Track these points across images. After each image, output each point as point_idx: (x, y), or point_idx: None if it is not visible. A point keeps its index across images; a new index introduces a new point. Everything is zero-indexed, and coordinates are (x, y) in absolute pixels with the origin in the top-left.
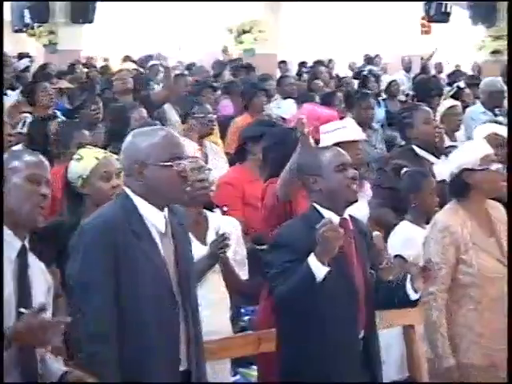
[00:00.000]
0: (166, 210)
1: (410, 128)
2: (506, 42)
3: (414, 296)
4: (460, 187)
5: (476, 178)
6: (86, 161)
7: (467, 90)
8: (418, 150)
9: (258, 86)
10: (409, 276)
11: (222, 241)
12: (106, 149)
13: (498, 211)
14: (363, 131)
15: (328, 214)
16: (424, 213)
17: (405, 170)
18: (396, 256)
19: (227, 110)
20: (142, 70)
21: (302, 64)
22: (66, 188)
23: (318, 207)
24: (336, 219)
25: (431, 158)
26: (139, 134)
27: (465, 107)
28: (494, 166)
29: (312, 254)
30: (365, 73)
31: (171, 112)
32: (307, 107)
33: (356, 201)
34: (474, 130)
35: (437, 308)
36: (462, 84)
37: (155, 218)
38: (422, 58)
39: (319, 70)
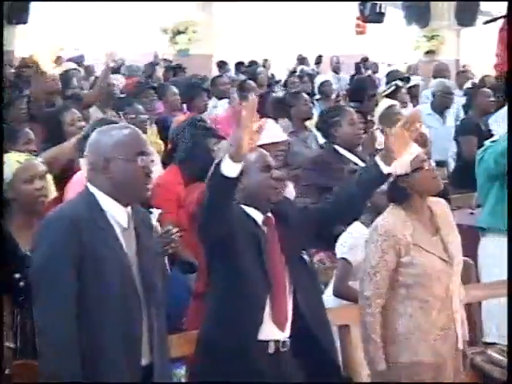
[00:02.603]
0: (129, 207)
1: (334, 128)
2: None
3: (386, 168)
4: (398, 193)
5: (411, 182)
6: (8, 165)
7: (404, 90)
8: (340, 150)
9: (200, 86)
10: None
11: (168, 236)
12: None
13: (440, 206)
14: (299, 132)
15: (252, 212)
16: (376, 214)
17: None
18: (341, 258)
19: (159, 111)
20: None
21: (240, 64)
22: None
23: (242, 206)
24: (260, 217)
25: (354, 159)
26: (104, 130)
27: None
28: (426, 165)
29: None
30: (297, 73)
31: (97, 113)
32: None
33: (278, 201)
34: None
35: (370, 313)
36: (399, 82)
37: (118, 214)
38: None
39: (256, 71)
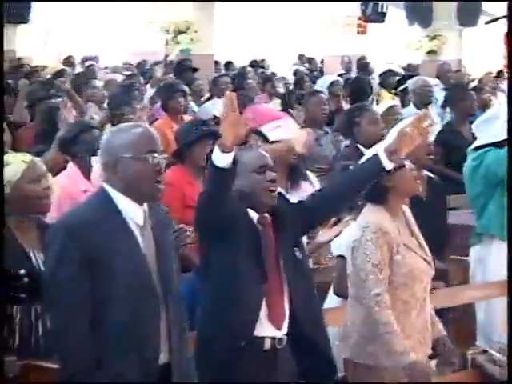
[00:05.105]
0: (145, 205)
1: (356, 127)
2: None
3: (387, 164)
4: (379, 192)
5: (394, 180)
6: (14, 166)
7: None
8: (363, 150)
9: (175, 88)
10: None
11: (181, 234)
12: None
13: (408, 211)
14: (314, 132)
15: (248, 210)
16: None
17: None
18: (339, 256)
19: (160, 113)
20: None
21: (228, 64)
22: None
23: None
24: (255, 216)
25: None
26: (116, 130)
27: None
28: (408, 165)
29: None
30: (293, 72)
31: (94, 111)
32: (253, 107)
33: (272, 204)
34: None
35: (387, 307)
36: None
37: (133, 212)
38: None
39: (248, 70)
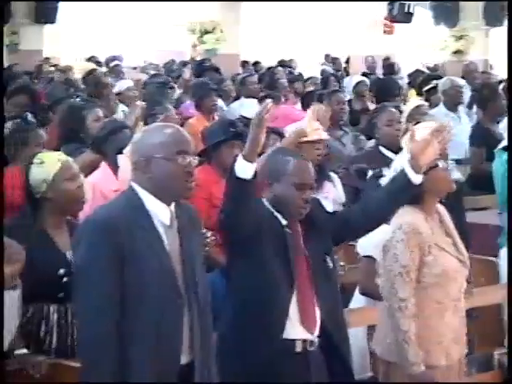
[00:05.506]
0: (173, 205)
1: (376, 128)
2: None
3: (416, 178)
4: (413, 191)
5: (427, 180)
6: (48, 164)
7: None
8: (383, 151)
9: (210, 87)
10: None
11: (204, 239)
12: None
13: (443, 210)
14: (333, 131)
15: (277, 214)
16: None
17: (371, 172)
18: (366, 256)
19: (189, 111)
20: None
21: (257, 64)
22: (25, 192)
23: (269, 206)
24: (284, 220)
25: None
26: (147, 130)
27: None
28: (441, 164)
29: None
30: (320, 72)
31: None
32: (282, 108)
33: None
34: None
35: (409, 315)
36: (438, 82)
37: (160, 212)
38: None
39: (279, 70)
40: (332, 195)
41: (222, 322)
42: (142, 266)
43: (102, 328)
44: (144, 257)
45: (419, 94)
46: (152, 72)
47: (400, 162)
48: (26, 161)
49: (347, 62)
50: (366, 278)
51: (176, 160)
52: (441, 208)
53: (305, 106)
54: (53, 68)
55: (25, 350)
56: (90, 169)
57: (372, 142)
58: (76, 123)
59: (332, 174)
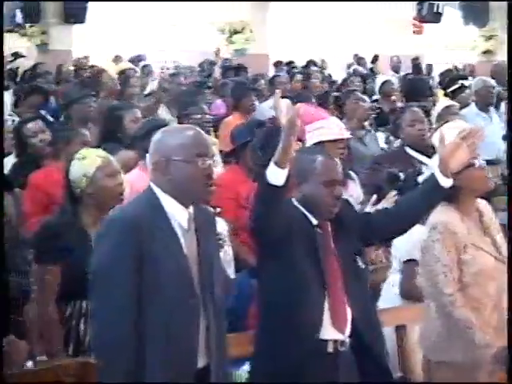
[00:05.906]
0: (191, 207)
1: (398, 129)
2: (506, 44)
3: (445, 182)
4: (448, 191)
5: (463, 179)
6: (89, 160)
7: (468, 91)
8: (409, 151)
9: (248, 86)
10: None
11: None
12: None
13: (486, 206)
14: (356, 130)
15: (307, 214)
16: None
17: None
18: (408, 260)
19: (220, 111)
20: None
21: (290, 64)
22: (66, 188)
23: (299, 206)
24: (314, 220)
25: (423, 159)
26: (168, 131)
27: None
28: (477, 163)
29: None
30: (350, 71)
31: (164, 113)
32: (302, 107)
33: (331, 217)
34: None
35: (461, 305)
36: (466, 83)
37: (179, 214)
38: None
39: (312, 70)
40: (355, 194)
41: (260, 320)
42: (159, 266)
43: (124, 328)
44: (160, 258)
45: (446, 94)
46: (188, 73)
47: (433, 163)
48: (68, 158)
49: (373, 61)
50: (408, 282)
51: (196, 163)
52: (483, 206)
53: (321, 106)
54: (72, 68)
55: (44, 357)
56: (127, 167)
57: (398, 142)
58: (113, 123)
59: (352, 174)
